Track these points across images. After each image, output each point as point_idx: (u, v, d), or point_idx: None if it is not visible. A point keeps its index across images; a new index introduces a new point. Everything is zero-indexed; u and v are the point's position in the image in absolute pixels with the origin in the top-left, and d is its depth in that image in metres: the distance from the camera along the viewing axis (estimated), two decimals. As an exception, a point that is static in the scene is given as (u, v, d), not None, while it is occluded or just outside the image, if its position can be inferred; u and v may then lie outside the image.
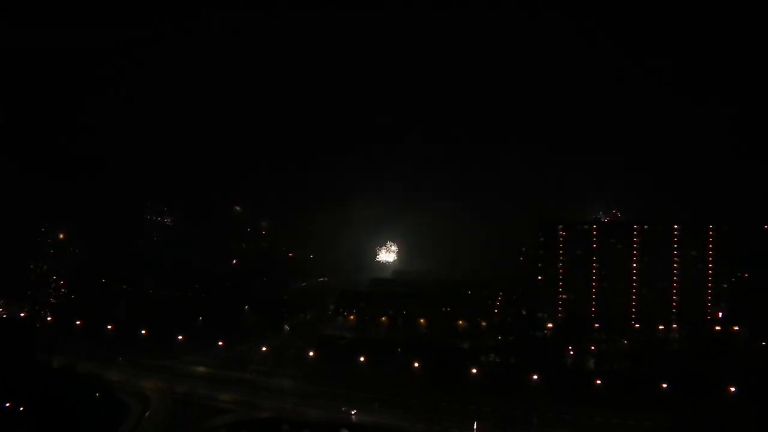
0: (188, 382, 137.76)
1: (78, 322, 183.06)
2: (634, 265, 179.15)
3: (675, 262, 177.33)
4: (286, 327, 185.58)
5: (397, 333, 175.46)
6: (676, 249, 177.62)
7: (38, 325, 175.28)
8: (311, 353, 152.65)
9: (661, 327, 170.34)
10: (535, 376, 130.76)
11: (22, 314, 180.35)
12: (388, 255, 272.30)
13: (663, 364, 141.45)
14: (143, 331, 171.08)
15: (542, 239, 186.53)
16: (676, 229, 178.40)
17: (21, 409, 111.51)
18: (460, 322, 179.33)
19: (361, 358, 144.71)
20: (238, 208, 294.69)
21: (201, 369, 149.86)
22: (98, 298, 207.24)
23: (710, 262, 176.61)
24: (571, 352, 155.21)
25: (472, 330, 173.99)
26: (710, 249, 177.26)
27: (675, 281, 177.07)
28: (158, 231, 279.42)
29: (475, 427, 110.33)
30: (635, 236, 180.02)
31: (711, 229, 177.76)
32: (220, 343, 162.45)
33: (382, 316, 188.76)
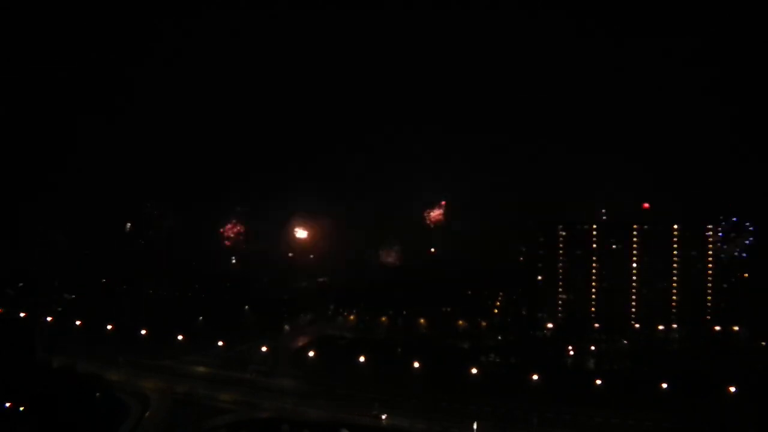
0: (188, 382, 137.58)
1: (78, 322, 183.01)
2: (634, 265, 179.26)
3: (675, 262, 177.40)
4: (286, 327, 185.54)
5: (397, 333, 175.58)
6: (676, 249, 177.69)
7: (38, 325, 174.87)
8: (311, 353, 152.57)
9: (661, 327, 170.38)
10: (535, 376, 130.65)
11: (22, 314, 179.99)
12: (388, 255, 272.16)
13: (663, 364, 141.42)
14: (143, 331, 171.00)
15: (542, 239, 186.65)
16: (676, 229, 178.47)
17: (21, 409, 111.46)
18: (460, 322, 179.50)
19: (361, 358, 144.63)
20: (239, 208, 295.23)
21: (201, 369, 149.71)
22: (98, 298, 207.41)
23: (710, 262, 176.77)
24: (571, 352, 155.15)
25: (472, 330, 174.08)
26: (710, 249, 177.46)
27: (675, 281, 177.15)
28: (158, 231, 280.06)
29: (475, 427, 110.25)
30: (635, 236, 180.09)
31: (711, 229, 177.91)
32: (220, 343, 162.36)
33: (382, 316, 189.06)
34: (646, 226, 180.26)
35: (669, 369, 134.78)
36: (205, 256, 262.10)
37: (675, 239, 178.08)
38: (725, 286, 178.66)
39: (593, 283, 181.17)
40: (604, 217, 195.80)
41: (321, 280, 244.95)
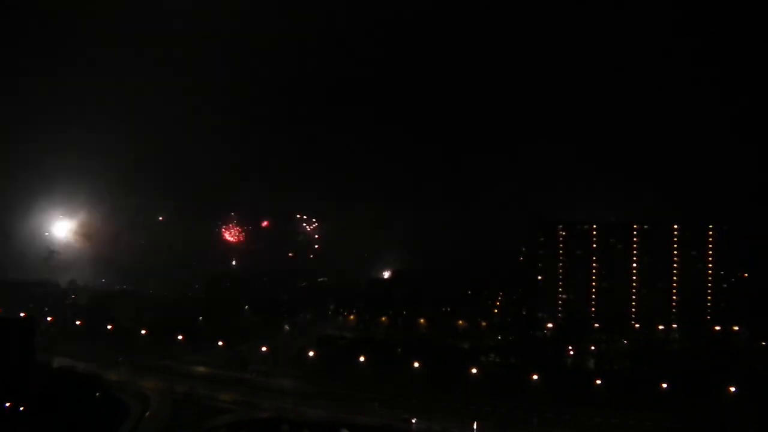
0: (188, 382, 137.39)
1: (78, 322, 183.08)
2: (634, 265, 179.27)
3: (675, 262, 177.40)
4: (286, 327, 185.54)
5: (397, 333, 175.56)
6: (676, 249, 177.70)
7: (38, 325, 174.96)
8: (311, 353, 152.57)
9: (661, 327, 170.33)
10: (535, 376, 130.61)
11: (22, 314, 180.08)
12: (389, 254, 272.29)
13: (663, 364, 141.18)
14: (143, 331, 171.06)
15: (542, 239, 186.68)
16: (676, 229, 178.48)
17: (21, 409, 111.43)
18: (460, 322, 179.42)
19: (361, 358, 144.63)
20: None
21: (201, 369, 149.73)
22: (98, 298, 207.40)
23: (710, 262, 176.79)
24: (571, 352, 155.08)
25: (472, 330, 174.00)
26: (710, 249, 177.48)
27: (675, 281, 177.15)
28: (159, 231, 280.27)
29: (475, 427, 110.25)
30: (635, 236, 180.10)
31: (711, 229, 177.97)
32: (220, 343, 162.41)
33: (382, 316, 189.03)
34: (646, 226, 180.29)
35: (669, 369, 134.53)
36: (206, 256, 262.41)
37: (675, 239, 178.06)
38: (725, 286, 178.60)
39: (593, 283, 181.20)
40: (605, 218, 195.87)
41: (321, 280, 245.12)
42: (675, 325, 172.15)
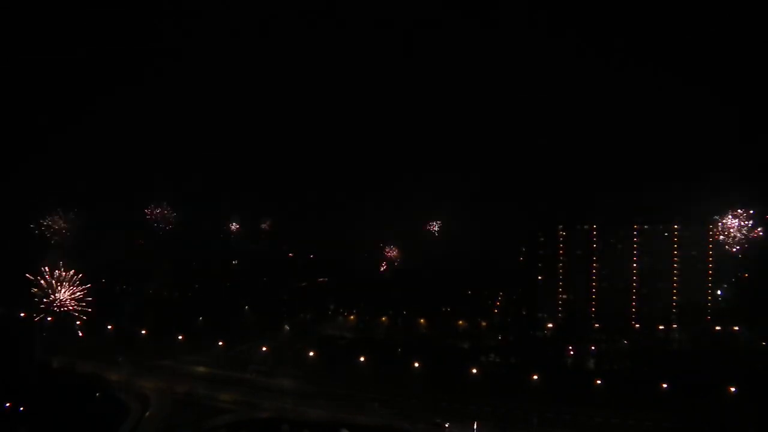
0: (188, 382, 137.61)
1: (78, 322, 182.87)
2: (634, 265, 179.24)
3: (675, 262, 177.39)
4: (286, 327, 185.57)
5: (397, 333, 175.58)
6: (676, 249, 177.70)
7: (38, 325, 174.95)
8: (311, 353, 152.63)
9: (661, 327, 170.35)
10: (535, 376, 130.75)
11: (22, 314, 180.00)
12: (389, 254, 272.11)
13: (663, 364, 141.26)
14: (143, 331, 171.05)
15: (542, 239, 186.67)
16: (676, 229, 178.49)
17: (21, 409, 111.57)
18: (460, 322, 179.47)
19: (361, 358, 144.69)
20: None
21: (201, 369, 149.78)
22: (99, 298, 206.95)
23: (710, 262, 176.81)
24: (571, 352, 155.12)
25: (472, 330, 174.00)
26: (710, 249, 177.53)
27: (675, 281, 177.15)
28: (159, 231, 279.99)
29: (475, 427, 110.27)
30: (635, 236, 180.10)
31: (711, 229, 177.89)
32: (220, 343, 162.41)
33: (382, 316, 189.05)
34: (646, 226, 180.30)
35: (669, 369, 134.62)
36: (205, 256, 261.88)
37: (675, 239, 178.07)
38: (725, 286, 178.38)
39: (593, 283, 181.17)
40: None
41: (321, 280, 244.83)
42: (675, 325, 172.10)
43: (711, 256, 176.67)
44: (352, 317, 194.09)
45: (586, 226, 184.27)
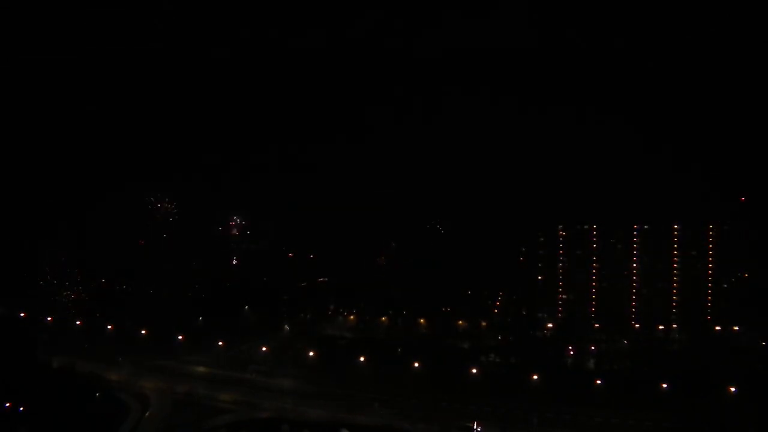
0: (188, 382, 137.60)
1: (78, 322, 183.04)
2: (634, 265, 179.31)
3: (675, 262, 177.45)
4: (286, 327, 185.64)
5: (397, 333, 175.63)
6: (676, 249, 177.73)
7: (38, 325, 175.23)
8: (311, 353, 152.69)
9: (661, 327, 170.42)
10: (535, 376, 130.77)
11: (22, 314, 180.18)
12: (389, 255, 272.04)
13: (663, 364, 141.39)
14: (143, 331, 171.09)
15: (542, 239, 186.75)
16: (676, 229, 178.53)
17: (21, 409, 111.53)
18: (460, 322, 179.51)
19: (361, 358, 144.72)
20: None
21: (201, 369, 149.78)
22: (98, 298, 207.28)
23: (710, 262, 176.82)
24: (571, 352, 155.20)
25: (472, 330, 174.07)
26: (710, 249, 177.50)
27: (675, 281, 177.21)
28: (159, 231, 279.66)
29: (475, 427, 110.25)
30: (635, 236, 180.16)
31: (711, 229, 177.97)
32: (220, 343, 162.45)
33: (382, 316, 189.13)
34: (646, 226, 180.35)
35: (669, 369, 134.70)
36: (204, 256, 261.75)
37: (675, 239, 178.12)
38: (725, 286, 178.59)
39: (593, 283, 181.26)
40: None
41: (321, 280, 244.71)
42: (675, 325, 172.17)
43: (711, 255, 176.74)
44: (352, 317, 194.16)
45: (586, 226, 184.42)
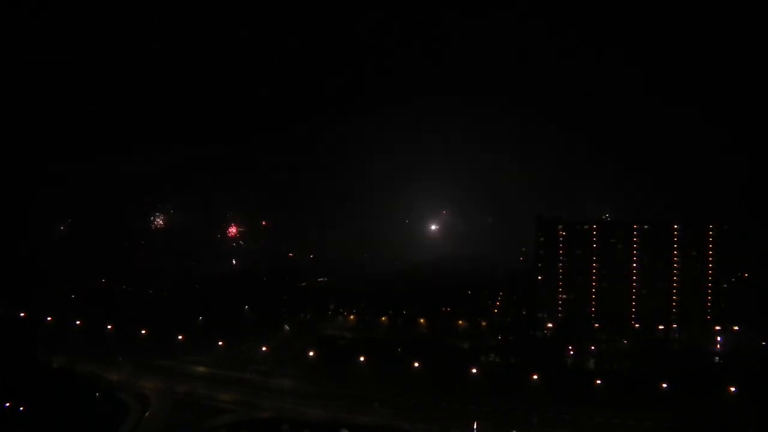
0: (188, 382, 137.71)
1: (78, 322, 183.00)
2: (634, 265, 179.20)
3: (675, 262, 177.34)
4: (286, 327, 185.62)
5: (397, 333, 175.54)
6: (676, 249, 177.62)
7: (38, 325, 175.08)
8: (311, 353, 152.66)
9: (661, 327, 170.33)
10: (535, 376, 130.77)
11: (22, 314, 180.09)
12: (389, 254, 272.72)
13: (663, 364, 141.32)
14: (143, 331, 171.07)
15: (542, 239, 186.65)
16: (676, 229, 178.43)
17: (21, 409, 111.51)
18: (460, 322, 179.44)
19: (361, 358, 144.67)
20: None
21: (201, 369, 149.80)
22: (98, 298, 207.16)
23: (710, 262, 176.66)
24: (571, 352, 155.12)
25: (472, 330, 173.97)
26: (710, 249, 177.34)
27: (675, 281, 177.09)
28: (159, 231, 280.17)
29: (475, 427, 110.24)
30: (635, 236, 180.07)
31: (711, 229, 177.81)
32: (220, 343, 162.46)
33: (382, 316, 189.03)
34: (646, 226, 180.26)
35: (669, 369, 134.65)
36: (204, 256, 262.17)
37: (675, 239, 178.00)
38: (725, 286, 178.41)
39: (593, 283, 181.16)
40: (605, 217, 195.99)
41: (321, 280, 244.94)
42: (675, 325, 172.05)
43: (711, 256, 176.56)
44: (352, 317, 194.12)
45: (586, 226, 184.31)
